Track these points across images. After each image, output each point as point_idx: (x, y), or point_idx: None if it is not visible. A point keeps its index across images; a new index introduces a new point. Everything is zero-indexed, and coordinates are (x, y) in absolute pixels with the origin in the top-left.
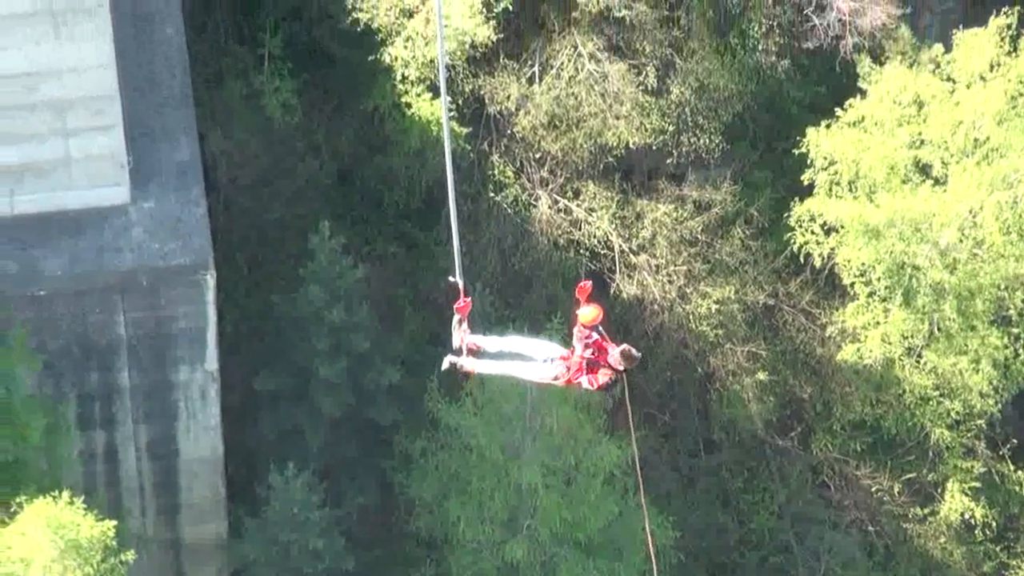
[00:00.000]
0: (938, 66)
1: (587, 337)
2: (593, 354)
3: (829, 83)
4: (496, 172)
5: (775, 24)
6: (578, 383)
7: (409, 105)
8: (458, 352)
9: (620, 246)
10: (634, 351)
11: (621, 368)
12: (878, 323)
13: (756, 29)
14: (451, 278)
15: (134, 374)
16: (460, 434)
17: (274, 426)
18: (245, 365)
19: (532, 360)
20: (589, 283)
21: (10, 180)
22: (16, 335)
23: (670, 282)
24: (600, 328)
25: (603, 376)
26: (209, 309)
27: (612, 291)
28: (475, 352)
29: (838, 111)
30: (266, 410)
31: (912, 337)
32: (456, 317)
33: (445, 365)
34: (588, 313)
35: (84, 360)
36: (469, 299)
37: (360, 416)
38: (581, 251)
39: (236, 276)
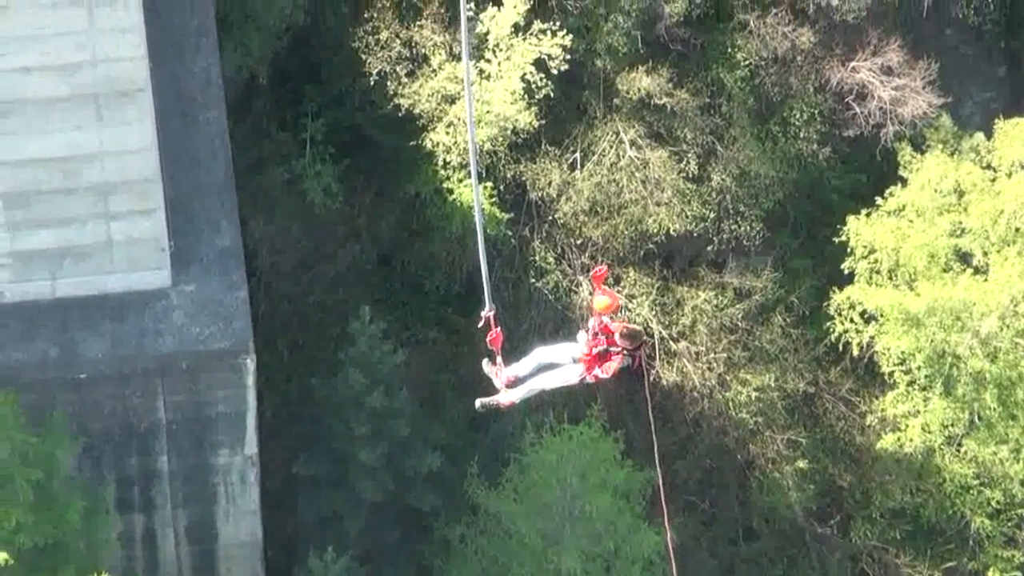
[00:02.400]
0: (979, 155)
1: (598, 326)
2: (602, 341)
3: (870, 171)
4: (537, 258)
5: (816, 112)
6: (595, 376)
7: (451, 191)
8: (495, 390)
9: (660, 333)
10: (633, 326)
11: (629, 348)
12: (918, 412)
13: (797, 117)
14: (482, 312)
15: (173, 458)
16: (500, 520)
17: (313, 511)
18: (284, 449)
19: (560, 365)
20: (605, 268)
21: (52, 263)
22: (56, 418)
23: (710, 369)
24: (614, 316)
25: (615, 363)
26: (249, 393)
27: (652, 378)
28: (513, 383)
29: (878, 199)
30: (305, 495)
31: (952, 426)
32: (485, 361)
33: (479, 407)
34: (601, 301)
35: (124, 443)
36: (500, 328)
37: (400, 501)
38: None
39: (276, 360)
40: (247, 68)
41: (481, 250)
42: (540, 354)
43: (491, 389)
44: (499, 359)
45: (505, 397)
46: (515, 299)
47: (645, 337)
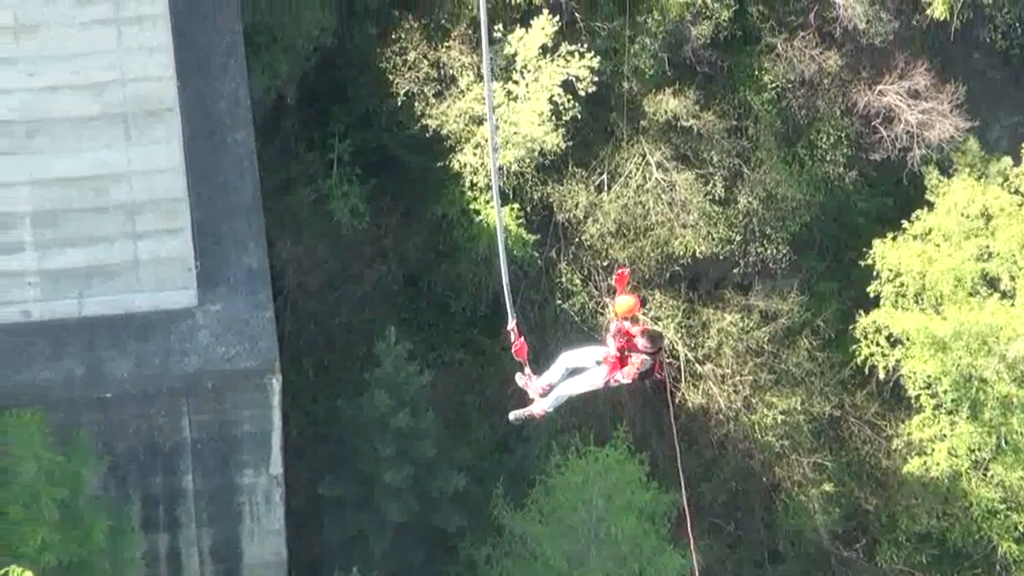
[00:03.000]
0: (1006, 179)
1: (619, 330)
2: (623, 343)
3: (896, 195)
4: (564, 280)
5: (843, 135)
6: (616, 380)
7: (477, 212)
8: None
9: (686, 355)
10: (653, 328)
11: (651, 351)
12: (944, 436)
13: (824, 140)
14: (507, 327)
15: (198, 477)
16: (526, 542)
17: (338, 531)
18: (310, 469)
19: (586, 369)
20: (627, 270)
21: (79, 282)
22: (82, 437)
23: (736, 392)
24: (636, 318)
25: (634, 366)
26: (274, 413)
27: (677, 400)
28: (547, 391)
29: (905, 223)
30: (330, 515)
31: (979, 450)
32: (518, 374)
33: (513, 419)
34: (624, 303)
35: (149, 462)
36: (523, 338)
37: (425, 522)
38: None
39: (302, 380)
40: (275, 88)
41: (503, 258)
42: (566, 359)
43: (521, 402)
44: (528, 369)
45: (538, 407)
46: (541, 321)
47: (665, 340)
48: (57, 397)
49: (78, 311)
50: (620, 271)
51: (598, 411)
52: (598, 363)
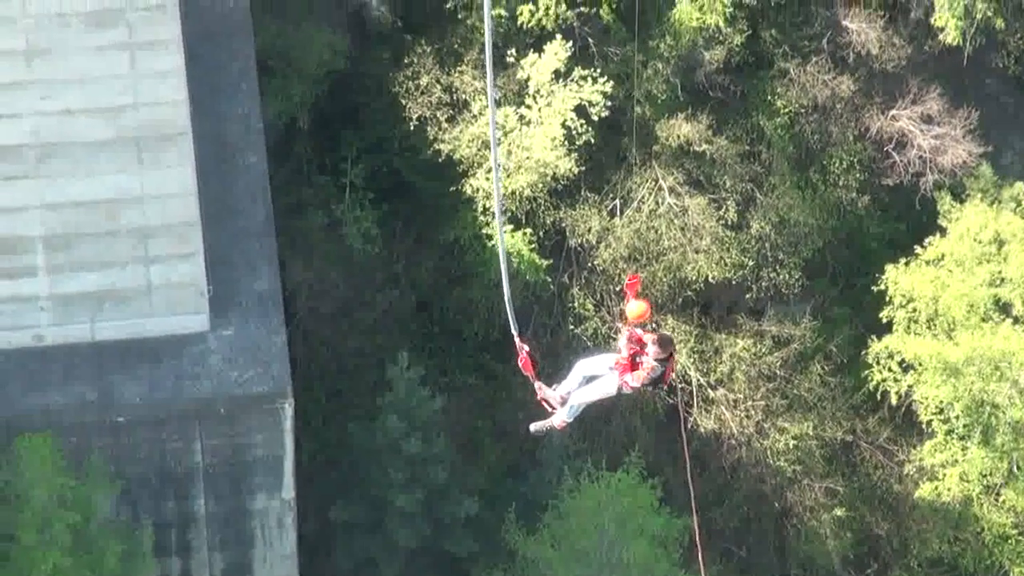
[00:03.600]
0: (1019, 204)
1: (631, 336)
2: (635, 349)
3: (909, 220)
4: (576, 304)
5: (856, 160)
6: (627, 384)
7: (490, 237)
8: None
9: (698, 380)
10: (664, 333)
11: (662, 357)
12: (956, 461)
13: (837, 165)
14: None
15: (210, 501)
16: (538, 566)
17: (350, 556)
18: (321, 494)
19: (601, 375)
20: (640, 276)
21: (91, 306)
22: (95, 462)
23: (748, 417)
24: (645, 324)
25: (644, 371)
26: (286, 437)
27: (690, 425)
28: (564, 400)
29: (917, 248)
30: (342, 540)
31: (991, 475)
32: (537, 385)
33: (534, 431)
34: (635, 309)
35: (161, 487)
36: (527, 351)
37: (437, 547)
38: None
39: (314, 405)
40: (287, 113)
41: (504, 269)
42: (582, 367)
43: (537, 418)
44: (538, 383)
45: (557, 418)
46: (553, 346)
47: (675, 344)
48: (69, 421)
49: (90, 335)
50: (631, 277)
51: (611, 436)
52: (611, 369)
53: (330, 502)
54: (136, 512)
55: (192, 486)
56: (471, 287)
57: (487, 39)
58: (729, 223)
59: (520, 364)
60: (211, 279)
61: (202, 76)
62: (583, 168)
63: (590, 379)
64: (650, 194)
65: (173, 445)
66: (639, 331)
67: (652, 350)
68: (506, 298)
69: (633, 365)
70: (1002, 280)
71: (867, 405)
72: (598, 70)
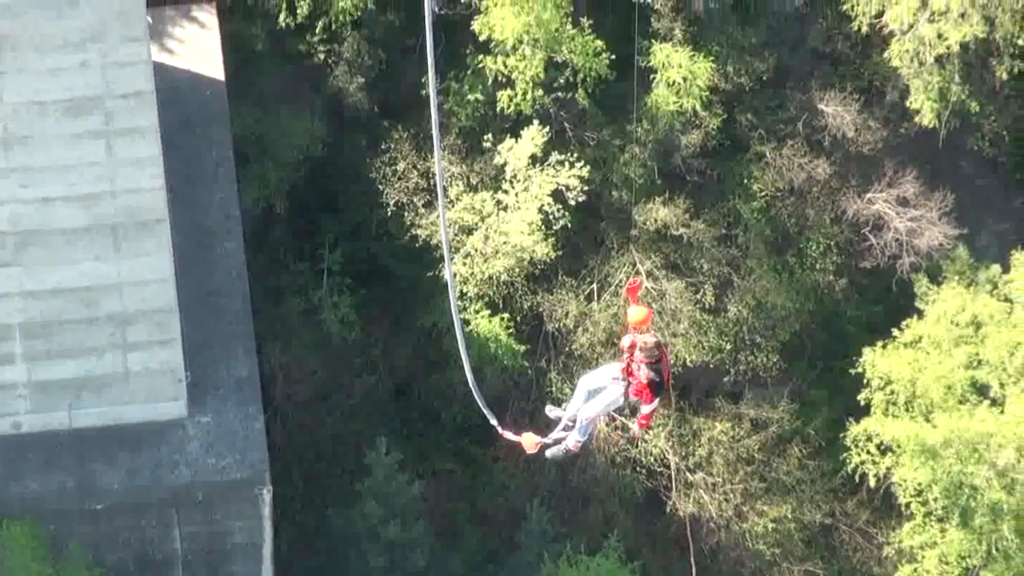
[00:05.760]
0: (995, 287)
1: (632, 343)
2: (630, 357)
3: (886, 302)
4: (554, 389)
5: (833, 243)
6: (632, 391)
7: (467, 322)
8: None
9: (677, 464)
10: (647, 338)
11: (651, 361)
12: (935, 543)
13: (814, 248)
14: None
15: None
16: None
17: None
18: None
19: (605, 387)
20: (639, 280)
21: (69, 394)
22: (73, 549)
23: (727, 500)
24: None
25: (643, 376)
26: (265, 524)
27: (668, 509)
28: (571, 426)
29: (895, 331)
30: None
31: (970, 557)
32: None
33: (549, 457)
34: (636, 314)
35: (140, 574)
36: (508, 431)
37: None
38: (638, 469)
39: (292, 491)
40: (265, 198)
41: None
42: (585, 382)
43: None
44: (550, 437)
45: (571, 440)
46: (532, 430)
47: (663, 342)
48: (48, 509)
49: (69, 423)
50: (631, 282)
51: (589, 520)
52: (615, 379)
53: None
54: None
55: (171, 573)
56: (449, 372)
57: (433, 116)
58: (707, 307)
59: (528, 451)
60: (189, 366)
61: (179, 163)
62: (560, 252)
63: (595, 392)
64: (628, 278)
65: (152, 532)
66: (638, 337)
67: (640, 355)
68: (468, 377)
69: (631, 374)
70: (979, 362)
71: (846, 488)
72: (575, 155)
